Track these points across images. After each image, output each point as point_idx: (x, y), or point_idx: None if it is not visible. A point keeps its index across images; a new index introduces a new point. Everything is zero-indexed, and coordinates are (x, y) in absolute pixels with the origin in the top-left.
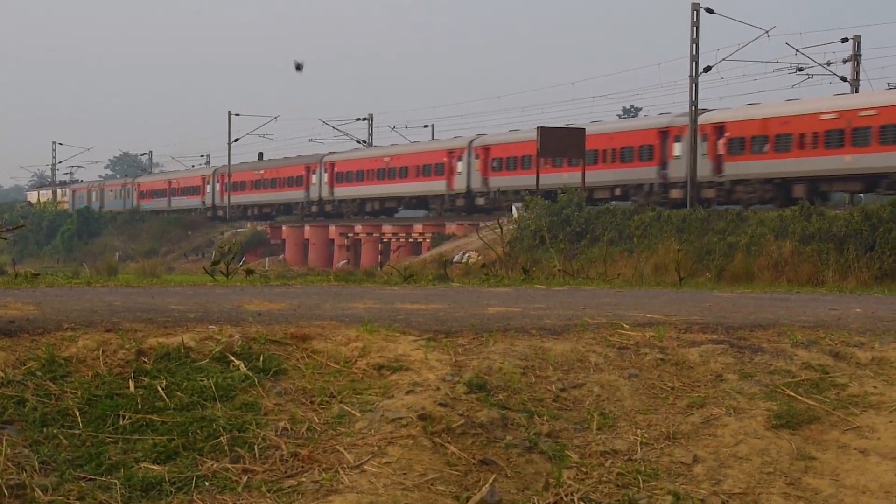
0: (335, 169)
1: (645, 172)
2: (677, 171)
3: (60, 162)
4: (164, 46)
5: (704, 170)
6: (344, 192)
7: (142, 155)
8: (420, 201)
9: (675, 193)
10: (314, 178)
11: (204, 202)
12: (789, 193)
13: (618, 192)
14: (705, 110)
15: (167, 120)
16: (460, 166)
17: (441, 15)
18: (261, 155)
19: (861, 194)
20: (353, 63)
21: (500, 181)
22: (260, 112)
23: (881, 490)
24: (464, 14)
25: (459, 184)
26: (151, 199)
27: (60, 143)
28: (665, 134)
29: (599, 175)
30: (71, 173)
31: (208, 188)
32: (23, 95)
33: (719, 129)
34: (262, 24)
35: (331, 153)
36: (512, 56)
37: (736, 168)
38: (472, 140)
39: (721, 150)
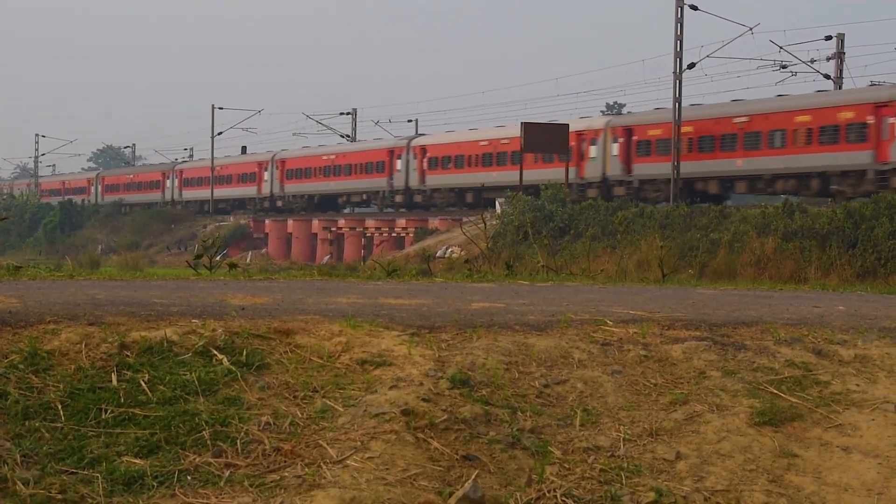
0: (183, 175)
1: (379, 182)
2: (399, 181)
3: (44, 154)
4: (151, 40)
5: (415, 180)
6: (189, 194)
7: (125, 148)
8: (240, 203)
9: (399, 198)
10: (168, 183)
11: (88, 200)
12: (464, 199)
13: (364, 196)
14: (421, 135)
15: (152, 112)
16: (266, 175)
17: (427, 10)
18: (244, 149)
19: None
20: (338, 58)
21: (292, 188)
22: (244, 106)
23: (863, 488)
24: (449, 10)
25: (266, 189)
26: (50, 196)
27: (43, 136)
28: (392, 153)
29: (351, 184)
30: (53, 166)
31: (92, 188)
32: (6, 87)
33: (423, 150)
34: (248, 19)
35: (184, 161)
36: (496, 52)
37: (433, 180)
38: (275, 154)
39: (425, 166)
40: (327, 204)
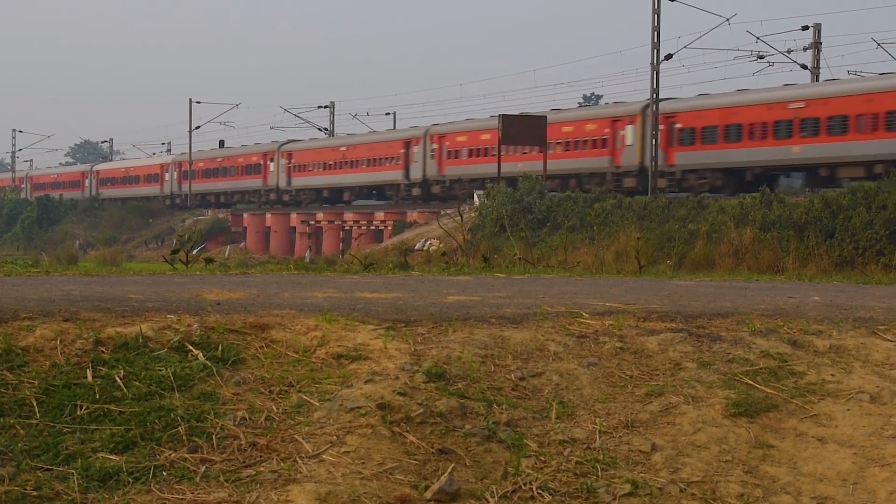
0: (182, 168)
1: (394, 175)
2: (416, 173)
3: (21, 149)
4: (127, 33)
5: (433, 171)
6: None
7: (102, 142)
8: (244, 196)
9: (416, 191)
10: (167, 176)
11: (82, 194)
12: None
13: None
14: (436, 124)
15: (128, 107)
16: (272, 167)
17: (404, 2)
18: (221, 143)
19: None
20: (315, 50)
21: (300, 181)
22: (221, 100)
23: (838, 478)
24: (426, 1)
25: (272, 181)
26: (41, 191)
27: (20, 131)
28: (408, 144)
29: (358, 177)
30: (31, 161)
31: (87, 182)
32: None
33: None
34: (224, 12)
35: (184, 153)
36: (474, 43)
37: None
38: (281, 145)
39: (443, 156)
40: (337, 197)
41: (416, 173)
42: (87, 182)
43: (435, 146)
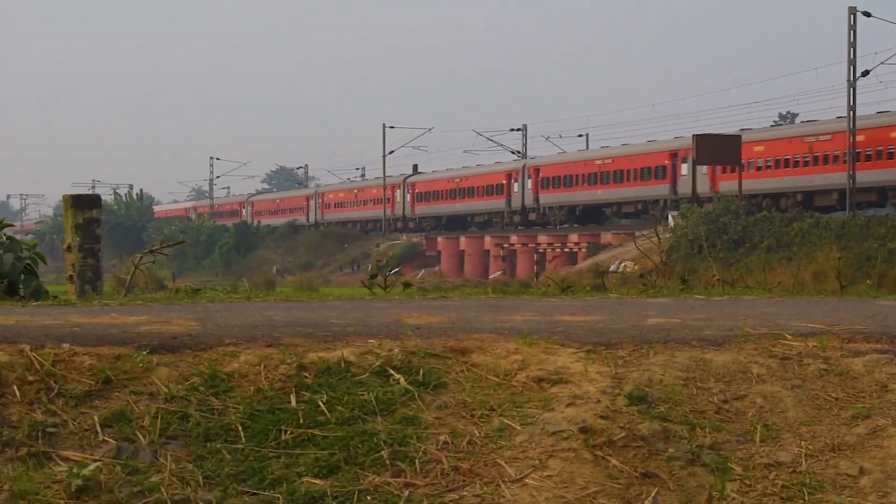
0: (415, 190)
1: (658, 190)
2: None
3: (218, 177)
4: (319, 62)
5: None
6: (423, 210)
7: (297, 168)
8: (486, 217)
9: None
10: (398, 197)
11: (307, 219)
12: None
13: (640, 206)
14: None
15: (322, 133)
16: (516, 186)
17: (594, 21)
18: (415, 167)
19: None
20: (508, 73)
21: (547, 198)
22: (414, 124)
23: None
24: (616, 22)
25: (516, 202)
26: (265, 216)
27: (217, 159)
28: (675, 156)
29: (622, 192)
30: (228, 188)
31: (312, 203)
32: (183, 117)
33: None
34: (415, 37)
35: (416, 174)
36: (666, 63)
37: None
38: (526, 162)
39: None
40: (589, 216)
41: (683, 188)
42: (311, 206)
43: None
